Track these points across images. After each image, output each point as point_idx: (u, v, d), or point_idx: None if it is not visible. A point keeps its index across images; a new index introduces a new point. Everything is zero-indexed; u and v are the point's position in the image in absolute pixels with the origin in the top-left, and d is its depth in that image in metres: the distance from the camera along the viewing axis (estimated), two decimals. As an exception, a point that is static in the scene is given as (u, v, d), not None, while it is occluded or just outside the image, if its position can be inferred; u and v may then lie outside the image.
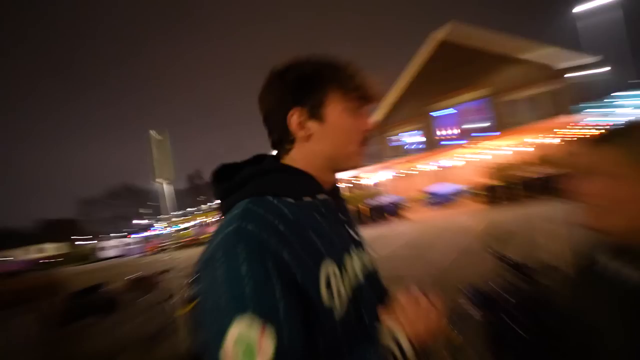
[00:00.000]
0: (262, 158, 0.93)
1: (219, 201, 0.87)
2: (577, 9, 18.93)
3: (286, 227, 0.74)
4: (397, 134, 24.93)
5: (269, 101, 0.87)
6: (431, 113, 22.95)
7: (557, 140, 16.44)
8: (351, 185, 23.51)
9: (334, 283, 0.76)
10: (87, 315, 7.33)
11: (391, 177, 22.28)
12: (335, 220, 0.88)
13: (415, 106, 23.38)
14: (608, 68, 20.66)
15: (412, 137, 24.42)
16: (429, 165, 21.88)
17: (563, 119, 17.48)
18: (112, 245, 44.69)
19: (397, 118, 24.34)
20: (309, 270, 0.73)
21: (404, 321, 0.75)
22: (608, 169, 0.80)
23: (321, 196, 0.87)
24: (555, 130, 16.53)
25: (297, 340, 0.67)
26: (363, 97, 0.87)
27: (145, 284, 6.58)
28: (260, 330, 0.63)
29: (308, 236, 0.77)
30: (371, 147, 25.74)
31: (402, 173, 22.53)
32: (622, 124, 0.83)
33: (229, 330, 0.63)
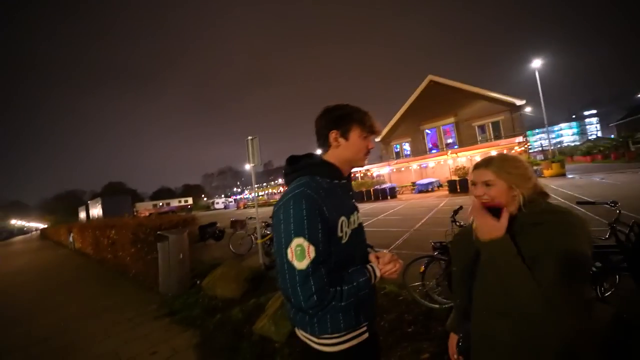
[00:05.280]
0: (312, 154, 0.98)
1: (287, 173, 0.94)
2: (534, 64, 17.14)
3: (325, 193, 0.84)
4: (396, 144, 24.08)
5: (321, 123, 0.94)
6: (420, 129, 21.89)
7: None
8: (366, 175, 23.19)
9: (344, 226, 0.85)
10: (208, 238, 7.95)
11: (390, 172, 21.76)
12: (348, 194, 0.96)
13: (408, 125, 22.47)
14: (529, 108, 18.84)
15: (404, 146, 23.52)
16: (414, 165, 21.10)
17: (502, 141, 16.28)
18: (220, 202, 47.31)
19: (396, 133, 23.53)
20: (333, 217, 0.82)
21: (380, 262, 0.88)
22: (487, 181, 0.84)
23: (342, 180, 0.94)
24: (498, 148, 15.40)
25: (324, 253, 0.78)
26: (370, 131, 0.94)
27: (239, 224, 6.99)
28: (308, 244, 0.75)
29: (333, 200, 0.86)
30: (378, 151, 25.12)
31: (398, 169, 21.89)
32: (491, 155, 0.87)
33: (293, 240, 0.76)
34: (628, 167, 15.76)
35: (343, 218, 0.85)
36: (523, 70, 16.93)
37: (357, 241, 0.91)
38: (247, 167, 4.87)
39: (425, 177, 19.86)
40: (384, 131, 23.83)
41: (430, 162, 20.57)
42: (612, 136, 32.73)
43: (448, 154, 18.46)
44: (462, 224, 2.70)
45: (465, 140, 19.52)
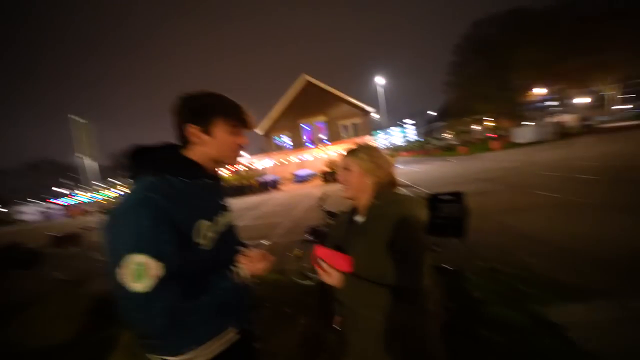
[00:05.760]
0: (167, 145, 0.84)
1: (128, 169, 0.79)
2: (377, 79, 22.15)
3: (177, 195, 0.73)
4: (278, 136, 24.75)
5: (177, 115, 0.80)
6: (298, 124, 23.57)
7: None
8: (247, 168, 22.59)
9: (205, 230, 0.76)
10: (11, 267, 5.24)
11: (272, 164, 22.31)
12: (212, 194, 0.86)
13: (289, 120, 23.62)
14: (378, 116, 25.14)
15: (286, 140, 24.61)
16: (294, 158, 22.71)
17: (358, 139, 20.64)
18: (32, 210, 32.23)
19: (277, 126, 24.16)
20: (188, 222, 0.73)
21: (247, 262, 0.83)
22: (347, 167, 0.92)
23: (205, 179, 0.83)
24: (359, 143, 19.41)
25: (173, 266, 0.68)
26: (241, 125, 0.84)
27: (69, 239, 5.09)
28: (149, 260, 0.64)
29: (191, 202, 0.76)
30: (260, 143, 25.01)
31: (279, 162, 22.73)
32: (356, 145, 0.96)
33: (128, 257, 0.63)
34: (428, 160, 23.74)
35: (204, 222, 0.76)
36: (372, 83, 21.72)
37: (225, 244, 0.84)
38: (85, 160, 3.55)
39: (303, 169, 21.81)
40: (266, 123, 23.97)
41: (307, 155, 22.75)
42: (422, 139, 50.47)
43: (320, 147, 21.12)
44: (326, 208, 3.18)
45: (334, 137, 22.91)
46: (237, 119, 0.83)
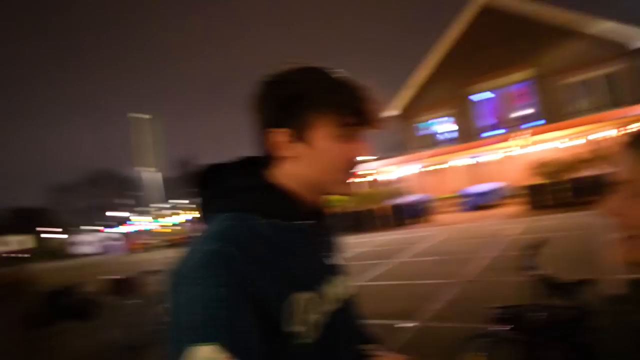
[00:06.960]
0: (251, 162, 0.97)
1: (199, 203, 0.93)
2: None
3: (268, 253, 0.81)
4: (426, 121, 24.75)
5: (257, 113, 0.91)
6: (468, 97, 22.77)
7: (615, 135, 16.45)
8: (369, 180, 23.57)
9: (307, 310, 0.82)
10: (60, 319, 7.46)
11: (417, 173, 22.31)
12: (318, 245, 0.95)
13: (448, 87, 23.25)
14: None
15: (443, 126, 24.25)
16: (462, 159, 21.86)
17: (627, 110, 17.40)
18: (87, 241, 45.91)
19: (426, 101, 24.24)
20: (276, 296, 0.79)
21: None
22: (622, 178, 0.72)
23: (305, 220, 0.91)
24: (616, 123, 16.48)
25: None
26: (358, 122, 0.88)
27: (128, 286, 6.78)
28: (224, 357, 0.67)
29: (288, 262, 0.84)
30: (394, 135, 25.56)
31: (430, 168, 22.53)
32: None
33: (192, 349, 0.68)
34: None
35: (302, 295, 0.83)
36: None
37: (339, 335, 0.90)
38: (144, 173, 4.75)
39: (478, 180, 20.60)
40: (403, 98, 24.49)
41: (488, 153, 21.32)
42: None
43: (520, 136, 19.31)
44: (542, 272, 2.82)
45: (554, 111, 20.42)
46: (353, 111, 0.87)
